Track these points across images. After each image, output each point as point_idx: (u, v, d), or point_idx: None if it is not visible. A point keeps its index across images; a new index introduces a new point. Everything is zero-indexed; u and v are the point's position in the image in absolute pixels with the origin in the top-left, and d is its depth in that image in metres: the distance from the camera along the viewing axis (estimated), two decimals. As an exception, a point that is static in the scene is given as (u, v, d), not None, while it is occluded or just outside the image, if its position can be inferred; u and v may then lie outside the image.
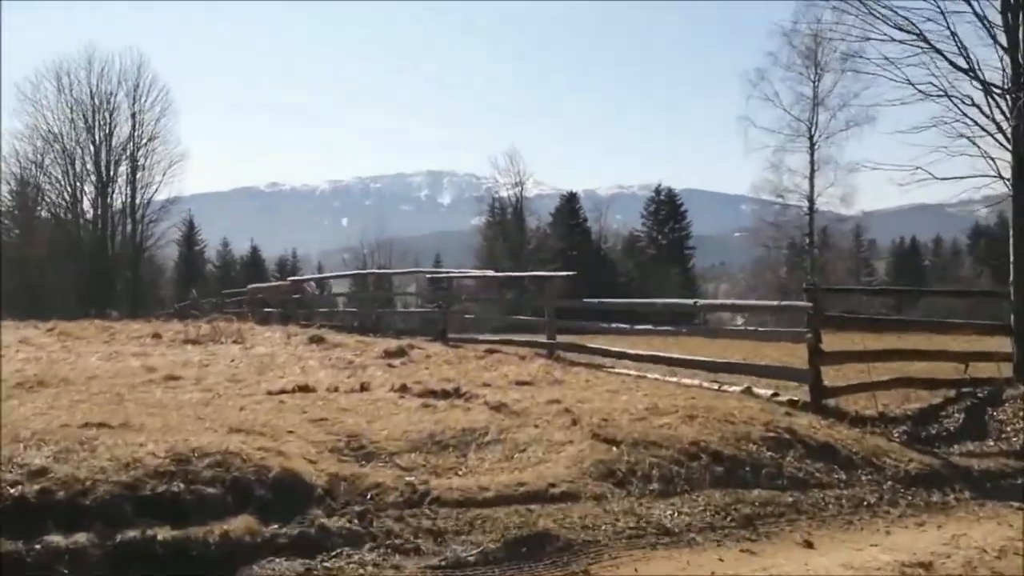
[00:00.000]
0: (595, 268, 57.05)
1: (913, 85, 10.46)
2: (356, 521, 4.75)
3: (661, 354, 11.03)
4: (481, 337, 14.69)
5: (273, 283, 24.05)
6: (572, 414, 7.14)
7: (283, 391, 7.89)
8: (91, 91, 41.72)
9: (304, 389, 7.96)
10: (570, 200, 62.10)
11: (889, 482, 7.03)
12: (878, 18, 10.32)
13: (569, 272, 12.42)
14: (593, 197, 77.28)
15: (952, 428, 9.13)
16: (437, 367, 10.19)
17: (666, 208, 63.46)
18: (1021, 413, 9.21)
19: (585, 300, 12.67)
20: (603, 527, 5.37)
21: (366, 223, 66.26)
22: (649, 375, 10.62)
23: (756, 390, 9.35)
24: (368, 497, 5.10)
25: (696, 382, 10.04)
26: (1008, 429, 8.97)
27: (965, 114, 10.24)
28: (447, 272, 16.18)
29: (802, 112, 40.37)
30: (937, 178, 10.62)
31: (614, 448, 6.41)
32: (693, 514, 5.77)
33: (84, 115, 41.31)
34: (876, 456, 7.42)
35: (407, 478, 5.49)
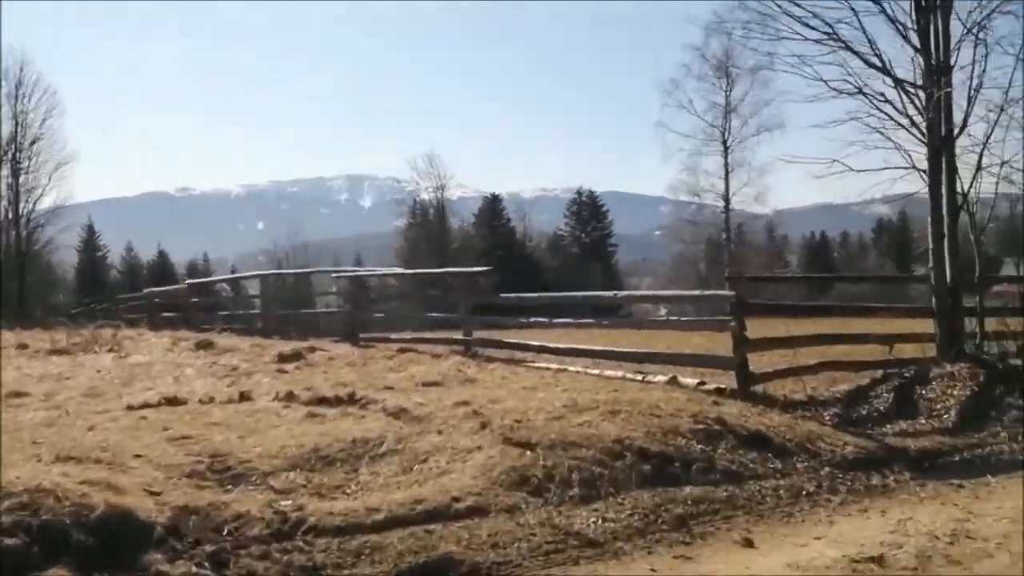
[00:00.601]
0: (520, 267, 56.63)
1: (827, 83, 10.25)
2: (207, 564, 3.78)
3: (582, 347, 10.29)
4: (395, 336, 13.74)
5: (171, 287, 22.46)
6: (482, 416, 6.29)
7: (146, 405, 6.77)
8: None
9: (172, 402, 6.86)
10: (493, 201, 61.49)
11: (826, 468, 6.44)
12: (794, 18, 9.97)
13: (484, 267, 11.55)
14: (517, 199, 76.74)
15: (882, 408, 8.68)
16: (336, 371, 9.20)
17: (588, 208, 63.63)
18: (949, 391, 8.83)
19: (503, 295, 11.85)
20: (517, 544, 4.54)
21: (283, 227, 63.99)
22: (571, 368, 9.87)
23: (682, 379, 8.70)
24: (226, 532, 4.12)
25: (620, 374, 9.34)
26: (938, 407, 8.56)
27: (880, 109, 10.02)
28: (354, 270, 15.16)
29: (715, 119, 41.01)
30: (854, 170, 10.32)
31: (528, 452, 5.58)
32: (619, 520, 5.00)
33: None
34: (811, 441, 6.83)
35: (279, 503, 4.54)
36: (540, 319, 10.84)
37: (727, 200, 41.26)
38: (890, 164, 10.12)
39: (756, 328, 9.14)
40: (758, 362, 9.39)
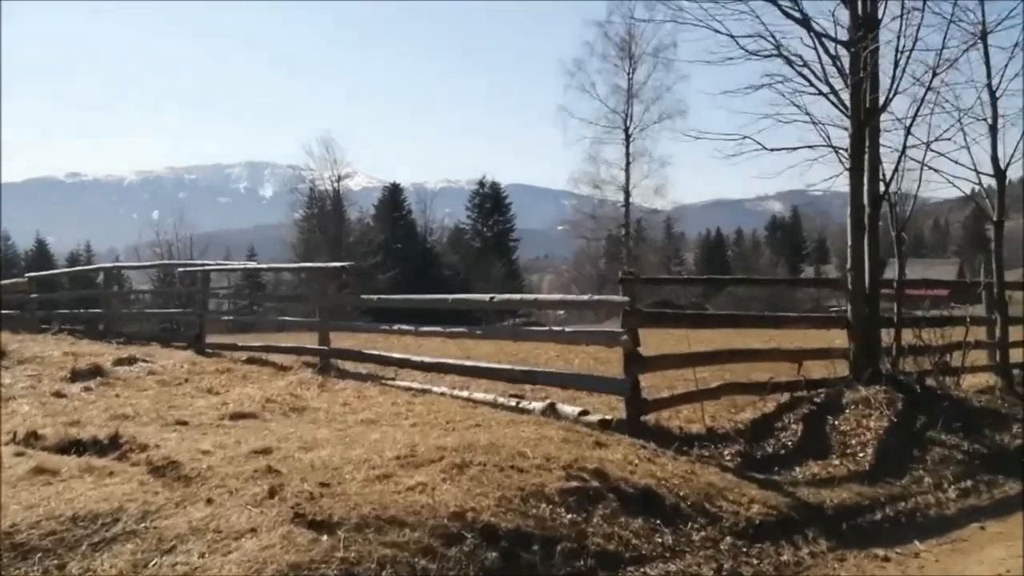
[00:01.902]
0: (420, 262, 54.63)
1: (737, 42, 8.67)
2: None
3: (451, 361, 8.61)
4: (246, 344, 11.72)
5: (9, 281, 19.55)
6: (278, 476, 4.51)
7: None
8: None
9: None
10: (393, 192, 59.20)
11: (728, 538, 4.97)
12: None
13: (342, 263, 9.68)
14: (421, 191, 74.58)
15: (790, 443, 7.33)
16: (136, 393, 7.21)
17: (491, 201, 62.15)
18: (865, 421, 7.56)
19: (363, 296, 10.03)
20: None
21: (179, 216, 59.94)
22: (435, 390, 8.16)
23: (561, 407, 7.10)
24: None
25: (490, 397, 7.69)
26: (853, 442, 7.26)
27: (799, 73, 8.53)
28: (202, 264, 13.00)
29: (618, 104, 40.03)
30: (767, 148, 8.86)
31: (325, 537, 3.84)
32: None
33: None
34: (709, 500, 5.34)
35: None
36: (404, 327, 9.08)
37: (627, 192, 40.42)
38: (806, 142, 8.77)
39: (650, 338, 7.70)
40: (651, 382, 7.95)
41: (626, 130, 39.92)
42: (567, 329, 7.49)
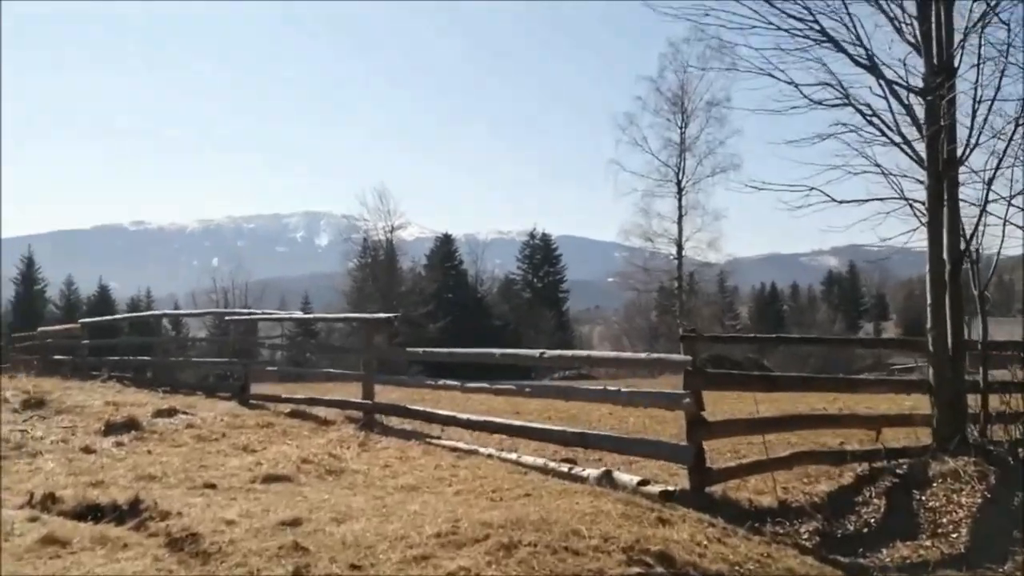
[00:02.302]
0: (471, 311, 54.44)
1: (800, 90, 8.18)
2: None
3: (497, 420, 8.08)
4: (290, 396, 11.37)
5: (64, 326, 19.73)
6: (305, 553, 4.02)
7: None
8: None
9: None
10: (445, 242, 59.37)
11: (815, 641, 4.29)
12: (767, 1, 7.98)
13: (390, 314, 9.32)
14: (472, 241, 74.72)
15: (873, 521, 6.59)
16: (168, 450, 6.83)
17: (541, 252, 61.97)
18: (955, 496, 6.78)
19: (409, 348, 9.61)
20: None
21: (236, 264, 60.98)
22: (482, 449, 7.64)
23: (618, 475, 6.50)
24: None
25: (540, 461, 7.13)
26: (944, 521, 6.49)
27: (870, 121, 7.97)
28: (248, 313, 12.78)
29: (670, 157, 39.44)
30: (835, 200, 8.26)
31: (352, 633, 3.33)
32: None
33: None
34: (791, 591, 4.68)
35: None
36: (450, 382, 8.61)
37: (680, 246, 39.49)
38: (876, 195, 8.13)
39: (712, 397, 7.07)
40: (713, 446, 7.29)
41: (678, 183, 39.28)
42: (623, 390, 6.91)
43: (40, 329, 20.41)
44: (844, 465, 7.40)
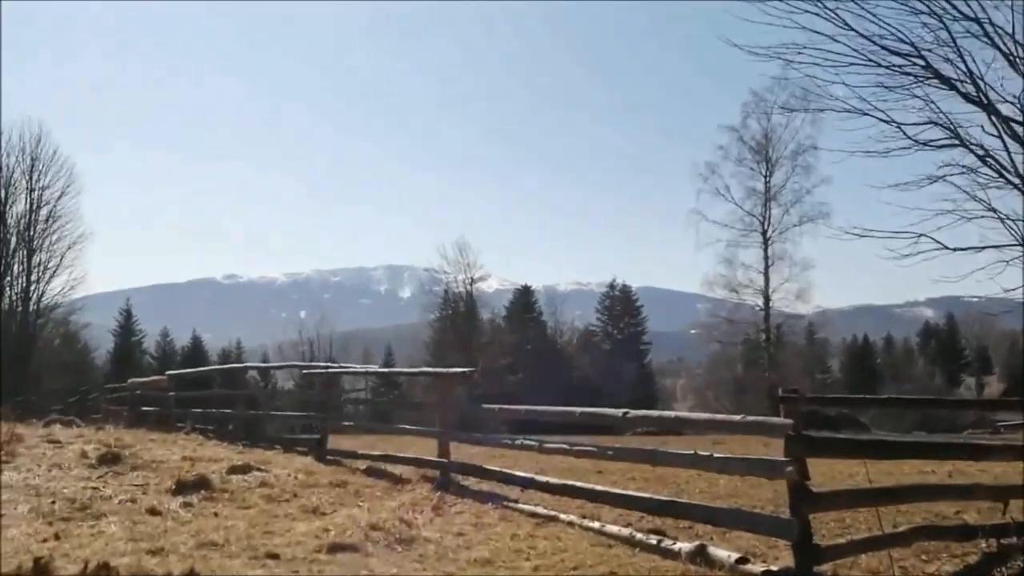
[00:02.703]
0: (550, 363, 53.85)
1: (903, 129, 7.60)
2: None
3: (579, 485, 7.54)
4: (366, 452, 11.09)
5: (151, 378, 20.17)
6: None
7: None
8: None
9: None
10: (524, 293, 59.24)
11: None
12: (866, 37, 7.49)
13: (467, 368, 8.97)
14: (551, 292, 74.52)
15: (1009, 609, 5.75)
16: (238, 509, 6.57)
17: (621, 303, 61.11)
18: (1106, 583, 5.88)
19: (484, 406, 9.21)
20: None
21: (320, 317, 62.40)
22: (562, 518, 7.11)
23: (714, 551, 5.88)
24: None
25: (626, 531, 6.54)
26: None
27: (985, 163, 7.31)
28: (327, 366, 12.67)
29: (754, 207, 38.47)
30: (948, 248, 7.58)
31: None
32: None
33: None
34: None
35: None
36: (528, 441, 8.15)
37: (767, 297, 38.13)
38: (992, 241, 7.41)
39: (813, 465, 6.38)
40: (818, 518, 6.57)
41: (764, 233, 38.17)
42: (715, 455, 6.31)
43: (131, 381, 20.94)
44: (967, 543, 6.57)
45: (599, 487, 7.34)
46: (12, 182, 34.44)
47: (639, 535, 6.42)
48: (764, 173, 38.22)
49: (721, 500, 8.23)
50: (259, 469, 8.93)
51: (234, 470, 8.64)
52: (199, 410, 15.87)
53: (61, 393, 28.71)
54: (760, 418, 6.21)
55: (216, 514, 6.26)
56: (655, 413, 6.86)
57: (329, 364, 13.30)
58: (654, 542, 6.22)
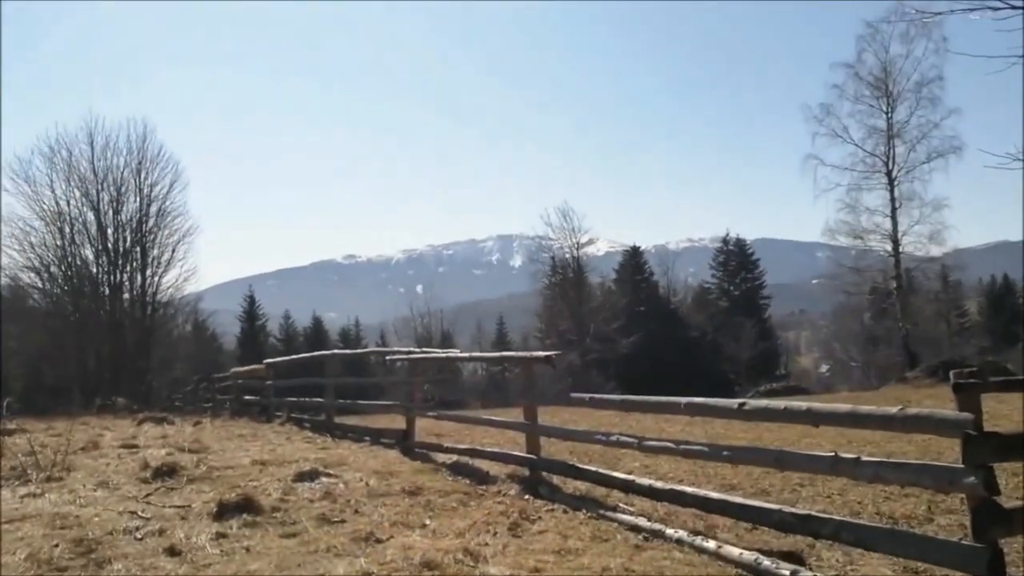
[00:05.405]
0: (665, 323, 51.81)
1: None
2: None
3: (688, 491, 6.10)
4: (452, 446, 10.02)
5: (250, 367, 19.87)
6: None
7: None
8: (94, 166, 34.97)
9: None
10: (634, 255, 57.19)
11: None
12: None
13: (551, 352, 7.64)
14: (662, 252, 71.82)
15: None
16: (279, 538, 5.45)
17: (736, 258, 58.01)
18: None
19: (573, 395, 7.87)
20: None
21: (430, 291, 62.54)
22: (669, 531, 5.72)
23: (868, 589, 4.35)
24: None
25: (750, 556, 5.08)
26: None
27: None
28: (408, 352, 11.63)
29: (876, 146, 34.80)
30: None
31: None
32: None
33: (87, 192, 34.99)
34: None
35: None
36: (626, 438, 6.77)
37: (896, 241, 34.58)
38: None
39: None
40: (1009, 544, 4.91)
41: (888, 173, 34.52)
42: (864, 458, 4.74)
43: (233, 370, 20.81)
44: None
45: (714, 495, 5.88)
46: (123, 181, 35.38)
47: (767, 562, 4.95)
48: (885, 109, 34.46)
49: (856, 505, 6.62)
50: (329, 474, 7.95)
51: (301, 476, 7.69)
52: (293, 399, 15.32)
53: (182, 383, 29.38)
54: (921, 411, 4.57)
55: (248, 549, 5.23)
56: (780, 404, 5.31)
57: (411, 350, 12.28)
58: (787, 574, 4.75)
